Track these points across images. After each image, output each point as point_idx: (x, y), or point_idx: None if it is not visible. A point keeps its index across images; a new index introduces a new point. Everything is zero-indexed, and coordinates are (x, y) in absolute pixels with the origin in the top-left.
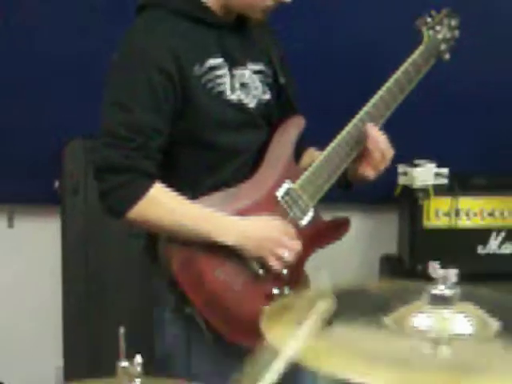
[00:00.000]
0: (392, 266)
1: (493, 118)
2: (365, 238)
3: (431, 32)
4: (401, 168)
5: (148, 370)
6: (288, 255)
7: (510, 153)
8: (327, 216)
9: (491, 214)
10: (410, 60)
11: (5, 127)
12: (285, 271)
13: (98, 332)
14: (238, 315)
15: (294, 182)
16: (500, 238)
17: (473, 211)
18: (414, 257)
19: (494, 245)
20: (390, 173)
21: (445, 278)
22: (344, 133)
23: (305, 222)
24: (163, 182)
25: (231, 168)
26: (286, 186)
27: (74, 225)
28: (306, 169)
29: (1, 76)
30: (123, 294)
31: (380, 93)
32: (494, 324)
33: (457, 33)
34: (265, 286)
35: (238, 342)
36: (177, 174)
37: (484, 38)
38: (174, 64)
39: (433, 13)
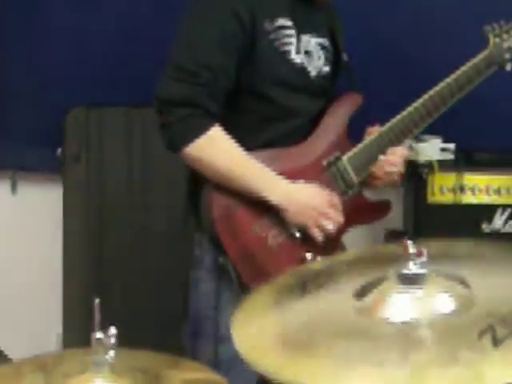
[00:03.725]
0: (397, 241)
1: (501, 93)
2: None
3: (497, 39)
4: (406, 142)
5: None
6: (331, 227)
7: None
8: None
9: (497, 191)
10: (471, 62)
11: (10, 93)
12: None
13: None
14: (269, 272)
15: (343, 154)
16: (505, 216)
17: (478, 187)
18: (419, 232)
19: (498, 222)
20: None
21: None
22: (399, 116)
23: (348, 195)
24: (222, 126)
25: (284, 128)
26: (334, 156)
27: (75, 192)
28: (356, 144)
29: (5, 43)
30: (123, 264)
31: (439, 86)
32: None
33: None
34: (299, 249)
35: None
36: (235, 122)
37: None
38: (248, 13)
39: (502, 22)
